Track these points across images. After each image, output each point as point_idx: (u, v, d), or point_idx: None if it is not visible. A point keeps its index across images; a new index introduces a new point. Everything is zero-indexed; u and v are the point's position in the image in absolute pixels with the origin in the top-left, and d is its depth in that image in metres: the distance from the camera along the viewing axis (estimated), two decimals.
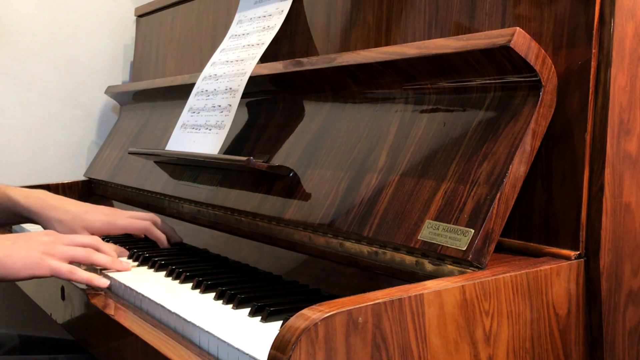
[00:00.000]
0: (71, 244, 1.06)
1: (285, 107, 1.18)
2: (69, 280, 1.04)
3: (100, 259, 1.07)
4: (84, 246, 1.07)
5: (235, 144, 1.24)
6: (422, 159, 0.87)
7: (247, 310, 0.88)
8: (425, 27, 1.00)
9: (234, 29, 1.39)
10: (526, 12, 0.86)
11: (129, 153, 1.44)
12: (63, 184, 1.82)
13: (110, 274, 1.08)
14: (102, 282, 1.03)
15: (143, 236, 1.30)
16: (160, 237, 1.26)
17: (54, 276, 1.00)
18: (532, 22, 0.85)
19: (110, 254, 1.10)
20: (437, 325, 0.67)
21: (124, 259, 1.16)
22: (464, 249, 0.75)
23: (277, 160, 1.10)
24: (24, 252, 0.99)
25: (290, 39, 1.27)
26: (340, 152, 1.00)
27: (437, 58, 0.86)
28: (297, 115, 1.14)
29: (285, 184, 1.05)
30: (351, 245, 0.92)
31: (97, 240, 1.10)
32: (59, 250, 1.02)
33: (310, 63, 1.08)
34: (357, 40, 1.12)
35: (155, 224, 1.26)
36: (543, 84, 0.78)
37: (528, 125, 0.78)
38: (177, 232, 1.30)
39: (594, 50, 0.79)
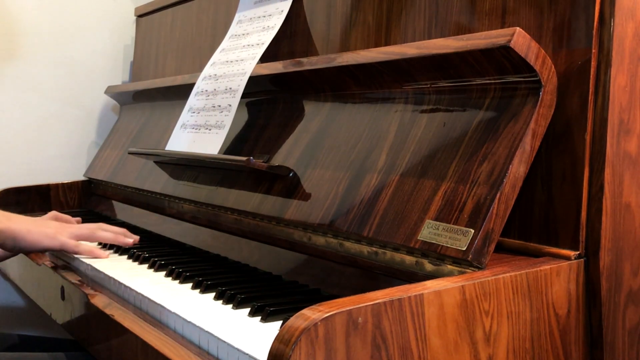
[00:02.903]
0: (77, 226, 1.24)
1: (285, 107, 1.18)
2: (75, 254, 1.20)
3: (103, 235, 1.24)
4: (89, 229, 1.24)
5: (235, 144, 1.24)
6: (422, 159, 0.87)
7: (247, 310, 0.88)
8: (425, 27, 1.00)
9: (233, 29, 1.39)
10: (526, 12, 0.86)
11: (129, 153, 1.44)
12: (63, 184, 1.82)
13: (110, 274, 1.08)
14: (103, 253, 1.21)
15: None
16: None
17: (63, 250, 1.20)
18: (532, 22, 0.85)
19: (114, 231, 1.25)
20: (437, 325, 0.67)
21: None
22: (464, 249, 0.75)
23: (277, 160, 1.10)
24: (41, 228, 1.19)
25: (290, 39, 1.27)
26: (340, 152, 1.00)
27: (437, 58, 0.86)
28: (297, 115, 1.14)
29: (285, 184, 1.05)
30: (351, 245, 0.91)
31: (101, 224, 1.26)
32: (67, 230, 1.21)
33: (310, 63, 1.08)
34: (357, 40, 1.12)
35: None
36: (543, 84, 0.78)
37: (528, 125, 0.78)
38: (177, 232, 1.30)
39: (594, 50, 0.78)
